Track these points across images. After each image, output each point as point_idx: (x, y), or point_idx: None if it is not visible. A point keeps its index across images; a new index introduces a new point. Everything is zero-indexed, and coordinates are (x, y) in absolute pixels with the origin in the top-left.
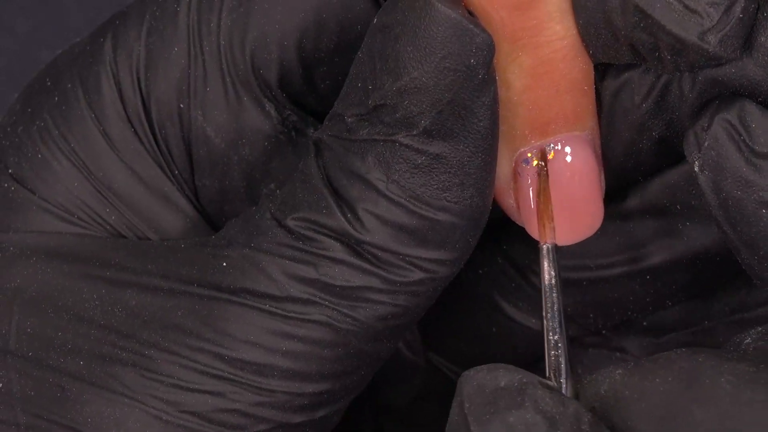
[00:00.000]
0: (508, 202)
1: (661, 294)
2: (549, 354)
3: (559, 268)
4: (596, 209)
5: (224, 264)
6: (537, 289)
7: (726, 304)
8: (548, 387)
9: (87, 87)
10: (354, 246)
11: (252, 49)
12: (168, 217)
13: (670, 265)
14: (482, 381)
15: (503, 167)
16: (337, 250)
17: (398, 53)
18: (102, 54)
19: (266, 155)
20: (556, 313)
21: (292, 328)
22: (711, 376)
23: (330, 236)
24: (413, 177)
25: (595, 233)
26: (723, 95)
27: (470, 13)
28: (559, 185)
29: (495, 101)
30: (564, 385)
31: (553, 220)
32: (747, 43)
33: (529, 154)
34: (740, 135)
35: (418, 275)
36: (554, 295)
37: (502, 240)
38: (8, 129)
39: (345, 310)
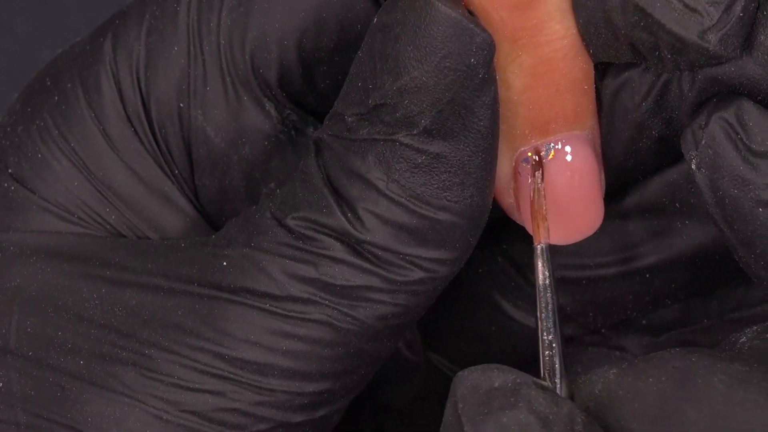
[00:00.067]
0: (508, 202)
1: (660, 292)
2: (543, 354)
3: (554, 268)
4: (596, 208)
5: (224, 263)
6: None
7: (725, 302)
8: (542, 387)
9: (87, 86)
10: (354, 245)
11: (252, 48)
12: (168, 217)
13: (669, 263)
14: (476, 381)
15: (503, 166)
16: (338, 250)
17: (398, 53)
18: (102, 53)
19: (266, 155)
20: (551, 313)
21: (292, 327)
22: (704, 375)
23: (330, 235)
24: (413, 176)
25: (595, 232)
26: (721, 94)
27: (470, 12)
28: (559, 184)
29: (495, 101)
30: (558, 385)
31: (547, 220)
32: (747, 41)
33: (529, 154)
34: (737, 133)
35: (418, 275)
36: (548, 295)
37: (502, 239)
38: (8, 129)
39: (345, 310)
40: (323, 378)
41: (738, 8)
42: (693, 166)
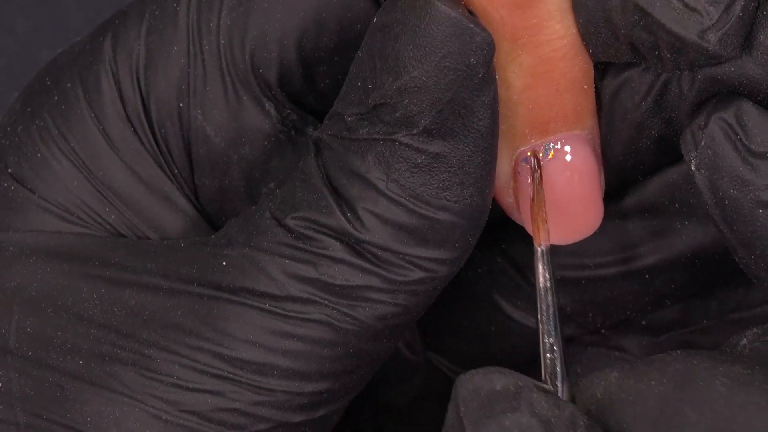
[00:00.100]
0: (508, 201)
1: (660, 293)
2: (544, 357)
3: (554, 270)
4: (596, 208)
5: (224, 263)
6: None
7: (724, 303)
8: (544, 390)
9: (87, 86)
10: (354, 245)
11: (252, 48)
12: (168, 217)
13: (669, 264)
14: (478, 384)
15: (503, 166)
16: (337, 250)
17: (398, 52)
18: (102, 53)
19: (266, 154)
20: (551, 316)
21: (291, 327)
22: (706, 378)
23: (330, 235)
24: (413, 176)
25: (594, 232)
26: (720, 94)
27: (470, 12)
28: (558, 184)
29: (495, 100)
30: (560, 388)
31: (547, 222)
32: (747, 41)
33: (528, 153)
34: (737, 134)
35: (417, 274)
36: (549, 298)
37: (501, 239)
38: (8, 128)
39: (345, 310)
40: (323, 378)
41: (738, 8)
42: (692, 167)
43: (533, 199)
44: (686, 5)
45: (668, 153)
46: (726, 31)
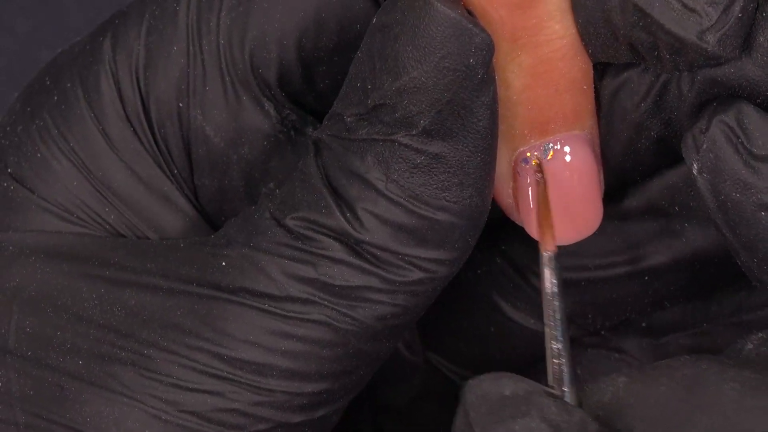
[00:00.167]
0: (507, 202)
1: (660, 295)
2: (551, 362)
3: (561, 275)
4: (595, 209)
5: (223, 263)
6: (536, 289)
7: (725, 306)
8: (552, 395)
9: (86, 86)
10: (353, 245)
11: (251, 48)
12: (167, 217)
13: (669, 265)
14: (486, 390)
15: (502, 167)
16: (337, 250)
17: (397, 53)
18: (101, 53)
19: (265, 154)
20: (559, 321)
21: (291, 327)
22: (715, 383)
23: (329, 236)
24: (412, 177)
25: (594, 233)
26: (721, 97)
27: (469, 12)
28: (558, 185)
29: (494, 101)
30: (567, 393)
31: (553, 228)
32: (746, 43)
33: (528, 154)
34: (738, 137)
35: (417, 275)
36: (556, 303)
37: (501, 240)
38: (8, 128)
39: (344, 310)
40: (322, 378)
41: (737, 9)
42: (694, 171)
43: (539, 205)
44: (685, 6)
45: (667, 154)
46: (725, 32)
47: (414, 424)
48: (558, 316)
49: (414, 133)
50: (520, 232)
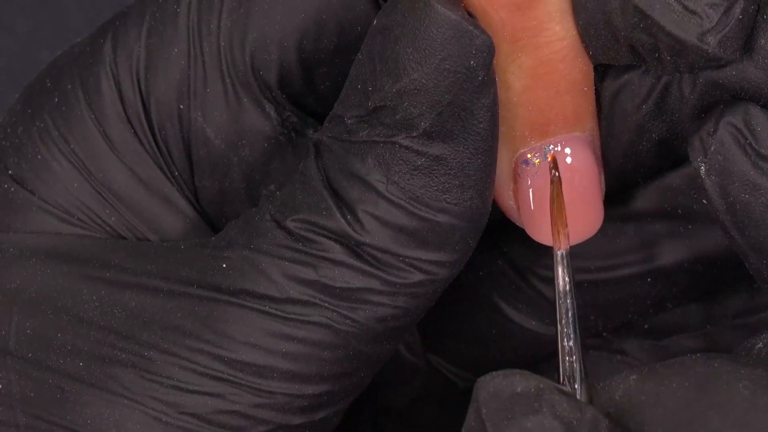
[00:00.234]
0: (508, 204)
1: (662, 296)
2: (563, 360)
3: (574, 273)
4: (596, 211)
5: (224, 265)
6: (537, 291)
7: (727, 308)
8: (564, 393)
9: (87, 88)
10: (354, 247)
11: (252, 50)
12: (168, 219)
13: (671, 267)
14: (498, 387)
15: (503, 168)
16: (337, 252)
17: (398, 55)
18: (102, 55)
19: (266, 156)
20: (571, 319)
21: (291, 329)
22: (728, 381)
23: (330, 238)
24: (413, 178)
25: (595, 235)
26: (727, 99)
27: (470, 14)
28: None
29: (495, 102)
30: (578, 391)
31: (567, 227)
32: (747, 45)
33: (528, 155)
34: (746, 139)
35: (417, 277)
36: (568, 301)
37: (501, 242)
38: (8, 129)
39: (345, 312)
40: (323, 380)
41: (737, 11)
42: (702, 173)
43: (553, 203)
44: (686, 8)
45: (668, 156)
46: (725, 34)
47: (414, 425)
48: (570, 314)
49: (414, 134)
50: (521, 234)
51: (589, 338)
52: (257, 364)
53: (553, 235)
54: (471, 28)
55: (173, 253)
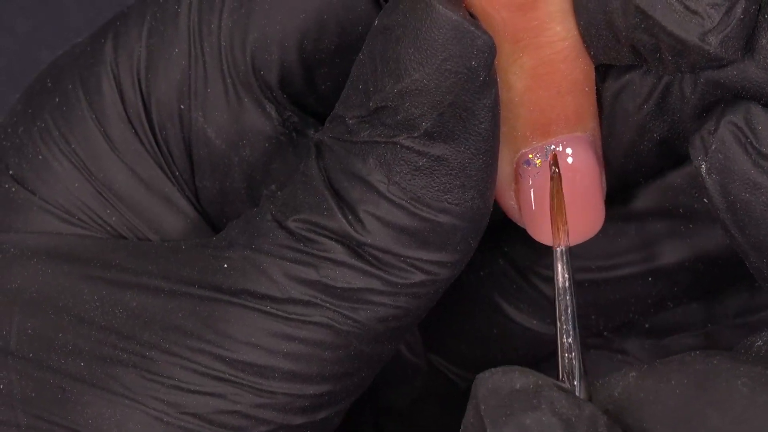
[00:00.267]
0: (509, 204)
1: (663, 296)
2: (562, 357)
3: (573, 270)
4: (597, 210)
5: (225, 265)
6: (538, 290)
7: (728, 307)
8: (563, 389)
9: (88, 88)
10: (355, 248)
11: (253, 50)
12: (169, 219)
13: (673, 267)
14: (497, 383)
15: (504, 168)
16: (338, 252)
17: (399, 55)
18: (103, 55)
19: (267, 156)
20: (570, 315)
21: (292, 329)
22: (727, 378)
23: (331, 238)
24: (414, 179)
25: (597, 234)
26: (728, 98)
27: (471, 14)
28: None
29: (496, 103)
30: (577, 388)
31: (566, 223)
32: (748, 45)
33: (530, 156)
34: (747, 137)
35: (418, 277)
36: (568, 297)
37: (502, 242)
38: (9, 129)
39: (346, 312)
40: (324, 380)
41: (739, 10)
42: (703, 172)
43: (553, 199)
44: (687, 8)
45: (670, 156)
46: (727, 34)
47: (415, 425)
48: (570, 310)
49: (416, 135)
50: (522, 234)
51: (590, 337)
52: (258, 364)
53: (552, 231)
54: (472, 28)
55: (174, 253)
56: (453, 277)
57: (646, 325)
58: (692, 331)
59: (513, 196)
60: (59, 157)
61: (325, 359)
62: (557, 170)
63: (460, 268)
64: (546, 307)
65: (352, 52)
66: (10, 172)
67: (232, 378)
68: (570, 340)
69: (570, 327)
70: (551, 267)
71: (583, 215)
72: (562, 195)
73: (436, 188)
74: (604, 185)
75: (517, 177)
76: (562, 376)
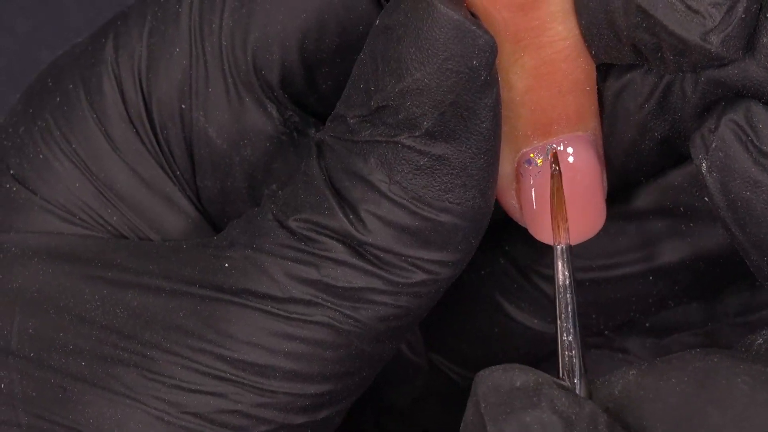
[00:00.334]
0: (511, 203)
1: (664, 295)
2: (563, 355)
3: (573, 269)
4: (599, 210)
5: (226, 265)
6: (539, 289)
7: (729, 306)
8: (563, 387)
9: (89, 87)
10: (356, 247)
11: (254, 49)
12: (170, 218)
13: (674, 266)
14: (497, 381)
15: (505, 168)
16: (339, 252)
17: (400, 55)
18: (103, 54)
19: (268, 156)
20: (570, 313)
21: (293, 329)
22: (727, 376)
23: (332, 237)
24: (415, 178)
25: (598, 233)
26: (728, 97)
27: (472, 14)
28: None
29: (497, 102)
30: (578, 386)
31: (567, 221)
32: (749, 44)
33: (531, 155)
34: (748, 136)
35: (420, 276)
36: (568, 295)
37: (504, 241)
38: (10, 129)
39: (347, 311)
40: (325, 380)
41: (740, 10)
42: (703, 170)
43: (553, 197)
44: (689, 7)
45: (671, 155)
46: (728, 33)
47: (417, 424)
48: (570, 308)
49: (417, 134)
50: (523, 233)
51: (591, 337)
52: (259, 363)
53: (553, 229)
54: (474, 28)
55: (175, 253)
56: (454, 277)
57: (647, 324)
58: (693, 330)
59: (514, 196)
60: (60, 156)
61: (326, 359)
62: (558, 168)
63: (461, 267)
64: (547, 306)
65: (353, 51)
66: (11, 171)
67: (233, 377)
68: (570, 338)
69: (570, 325)
70: (552, 266)
71: (584, 214)
72: (563, 192)
73: (438, 188)
74: (605, 184)
75: (519, 176)
76: (563, 374)
